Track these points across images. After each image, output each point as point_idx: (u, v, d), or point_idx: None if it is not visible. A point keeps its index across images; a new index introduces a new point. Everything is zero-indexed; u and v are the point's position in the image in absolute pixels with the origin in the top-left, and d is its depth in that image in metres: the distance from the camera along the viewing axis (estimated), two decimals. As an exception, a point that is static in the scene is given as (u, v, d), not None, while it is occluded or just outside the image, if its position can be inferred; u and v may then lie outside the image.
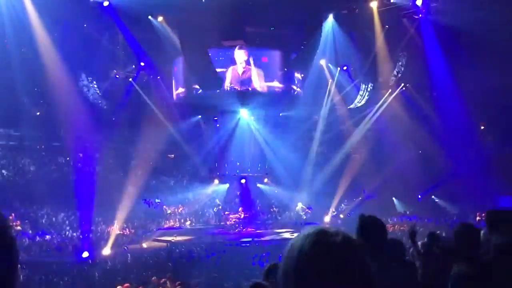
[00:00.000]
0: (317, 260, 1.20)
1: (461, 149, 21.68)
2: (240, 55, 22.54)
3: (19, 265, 1.40)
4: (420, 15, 21.67)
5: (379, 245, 2.84)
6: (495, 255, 2.16)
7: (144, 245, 19.82)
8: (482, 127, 24.28)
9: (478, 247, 3.12)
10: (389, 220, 21.76)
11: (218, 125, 26.59)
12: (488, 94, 20.07)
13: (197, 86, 23.03)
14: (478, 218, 20.34)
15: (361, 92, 25.55)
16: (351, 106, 25.82)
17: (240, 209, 23.69)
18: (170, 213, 24.39)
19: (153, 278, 12.13)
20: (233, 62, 22.58)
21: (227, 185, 25.98)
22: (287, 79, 23.70)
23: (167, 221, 23.91)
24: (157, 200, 24.62)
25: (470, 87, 20.53)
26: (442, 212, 23.03)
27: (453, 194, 22.04)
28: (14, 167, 22.87)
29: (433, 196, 23.94)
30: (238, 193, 25.88)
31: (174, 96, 24.50)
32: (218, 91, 22.40)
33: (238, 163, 26.21)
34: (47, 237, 18.40)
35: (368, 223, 2.92)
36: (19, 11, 19.13)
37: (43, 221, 19.96)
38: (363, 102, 25.63)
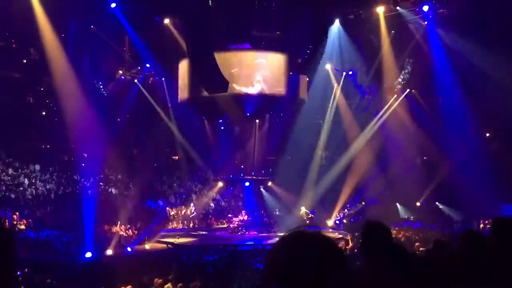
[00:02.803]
0: (298, 252, 1.27)
1: (465, 156, 21.58)
2: (245, 58, 22.57)
3: (17, 265, 1.41)
4: (427, 22, 21.66)
5: (383, 251, 2.82)
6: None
7: (147, 246, 19.82)
8: (488, 134, 24.19)
9: (484, 255, 3.11)
10: (392, 226, 21.70)
11: (222, 128, 26.61)
12: (494, 101, 19.99)
13: (202, 89, 23.05)
14: (481, 225, 20.26)
15: (366, 97, 25.52)
16: (356, 110, 25.79)
17: (243, 212, 23.67)
18: (173, 215, 24.42)
19: (155, 279, 12.13)
20: (238, 65, 22.59)
21: (230, 189, 25.93)
22: (293, 83, 23.71)
23: (170, 223, 23.94)
24: (160, 202, 24.67)
25: (476, 93, 20.48)
26: (445, 218, 22.92)
27: (457, 200, 21.92)
28: (19, 166, 22.94)
29: (437, 203, 23.84)
30: (242, 196, 25.89)
31: (179, 98, 24.55)
32: (223, 93, 22.42)
33: (242, 166, 26.21)
34: (51, 236, 18.42)
35: (373, 229, 2.91)
36: (27, 10, 19.23)
37: (47, 220, 19.98)
38: (368, 107, 25.60)
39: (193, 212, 24.42)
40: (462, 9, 19.69)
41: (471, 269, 2.84)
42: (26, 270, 12.86)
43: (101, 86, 24.99)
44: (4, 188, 20.79)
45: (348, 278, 1.26)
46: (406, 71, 24.26)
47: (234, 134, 26.02)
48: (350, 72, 24.87)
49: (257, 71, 22.41)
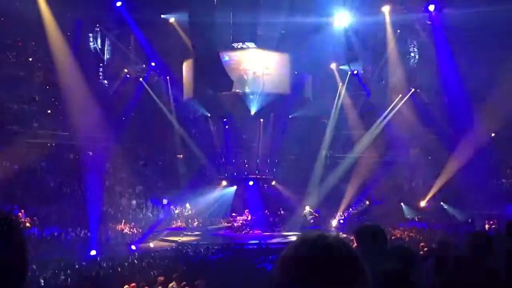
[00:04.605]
0: (313, 257, 1.22)
1: (471, 156, 21.49)
2: (250, 57, 22.56)
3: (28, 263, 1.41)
4: (432, 20, 21.57)
5: (377, 254, 2.79)
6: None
7: (151, 244, 19.86)
8: (493, 134, 24.06)
9: (491, 255, 3.09)
10: (396, 226, 21.65)
11: (226, 127, 26.62)
12: (500, 100, 19.88)
13: (206, 88, 23.07)
14: (487, 226, 20.15)
15: (371, 96, 25.45)
16: (361, 109, 25.72)
17: (246, 211, 23.60)
18: (177, 213, 24.45)
19: (159, 278, 12.16)
20: (243, 64, 22.59)
21: (234, 188, 25.88)
22: (297, 81, 23.68)
23: (174, 221, 23.96)
24: (164, 201, 24.70)
25: (482, 93, 20.37)
26: (450, 219, 22.82)
27: (462, 201, 21.84)
28: (25, 164, 23.00)
29: (441, 203, 23.74)
30: (246, 195, 25.85)
31: (184, 97, 24.58)
32: (227, 92, 22.43)
33: (246, 165, 26.21)
34: (56, 234, 18.50)
35: (364, 232, 2.89)
36: (33, 9, 19.29)
37: (52, 218, 20.06)
38: (373, 106, 25.54)
39: (189, 211, 24.49)
40: (468, 9, 19.58)
41: (479, 271, 2.82)
42: (30, 267, 12.91)
43: (107, 85, 25.05)
44: (10, 186, 20.86)
45: (365, 280, 1.25)
46: (412, 68, 24.18)
47: (238, 133, 26.02)
48: (355, 71, 24.80)
49: (262, 70, 22.40)
